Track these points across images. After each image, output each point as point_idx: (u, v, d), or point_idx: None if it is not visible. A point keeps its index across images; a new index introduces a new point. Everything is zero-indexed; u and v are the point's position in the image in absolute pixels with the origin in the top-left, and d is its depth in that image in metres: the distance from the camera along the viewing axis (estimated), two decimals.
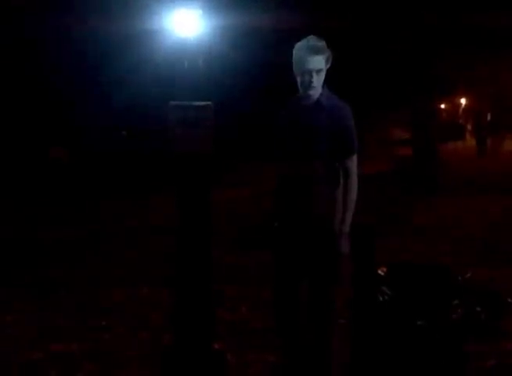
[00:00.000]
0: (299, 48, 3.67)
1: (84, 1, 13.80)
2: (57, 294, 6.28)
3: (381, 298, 3.74)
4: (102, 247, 8.73)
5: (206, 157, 3.82)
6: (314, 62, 3.62)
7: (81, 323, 5.33)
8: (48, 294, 6.28)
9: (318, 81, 3.64)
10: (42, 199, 13.99)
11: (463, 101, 42.70)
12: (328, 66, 3.69)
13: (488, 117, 35.95)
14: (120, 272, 7.18)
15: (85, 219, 11.44)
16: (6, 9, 15.04)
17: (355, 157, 3.68)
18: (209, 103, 3.80)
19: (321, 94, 3.68)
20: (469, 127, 43.84)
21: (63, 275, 7.11)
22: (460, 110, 45.57)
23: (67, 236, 9.48)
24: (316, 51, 3.63)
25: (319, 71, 3.63)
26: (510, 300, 4.23)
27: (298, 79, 3.68)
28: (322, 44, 3.66)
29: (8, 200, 13.47)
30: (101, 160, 20.99)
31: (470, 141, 36.66)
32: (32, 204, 13.22)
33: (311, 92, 3.66)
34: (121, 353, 4.66)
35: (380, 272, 3.85)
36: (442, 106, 38.58)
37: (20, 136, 20.83)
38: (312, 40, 3.67)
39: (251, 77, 18.86)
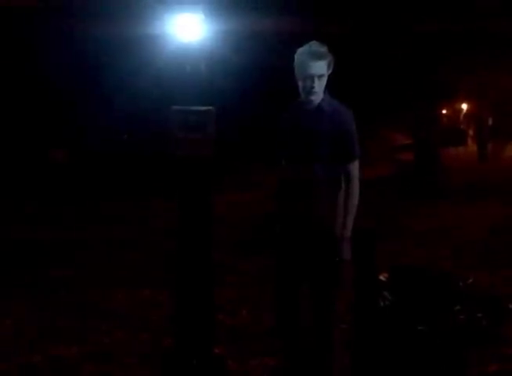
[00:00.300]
0: (301, 53, 3.68)
1: (87, 4, 13.81)
2: (57, 294, 6.28)
3: (382, 303, 3.74)
4: (102, 249, 8.72)
5: (207, 160, 3.83)
6: (316, 67, 3.62)
7: (81, 325, 5.33)
8: (48, 294, 6.28)
9: (319, 86, 3.65)
10: (42, 199, 13.98)
11: (464, 106, 42.66)
12: (330, 71, 3.69)
13: (490, 122, 35.90)
14: (120, 274, 7.17)
15: (86, 220, 11.44)
16: (6, 8, 15.03)
17: (356, 162, 3.68)
18: (211, 107, 3.80)
19: (322, 99, 3.68)
20: (471, 132, 43.77)
21: (63, 275, 7.11)
22: (461, 116, 45.53)
23: (67, 237, 9.48)
24: (318, 56, 3.63)
25: (320, 76, 3.64)
26: (511, 306, 4.22)
27: (300, 84, 3.68)
28: (324, 49, 3.67)
29: (8, 201, 13.46)
30: (101, 161, 20.96)
31: (472, 146, 36.57)
32: (32, 205, 13.21)
33: (313, 97, 3.66)
34: (121, 355, 4.66)
35: (381, 277, 3.85)
36: (444, 111, 38.56)
37: (20, 137, 20.80)
38: (314, 45, 3.68)
39: (253, 82, 18.85)
